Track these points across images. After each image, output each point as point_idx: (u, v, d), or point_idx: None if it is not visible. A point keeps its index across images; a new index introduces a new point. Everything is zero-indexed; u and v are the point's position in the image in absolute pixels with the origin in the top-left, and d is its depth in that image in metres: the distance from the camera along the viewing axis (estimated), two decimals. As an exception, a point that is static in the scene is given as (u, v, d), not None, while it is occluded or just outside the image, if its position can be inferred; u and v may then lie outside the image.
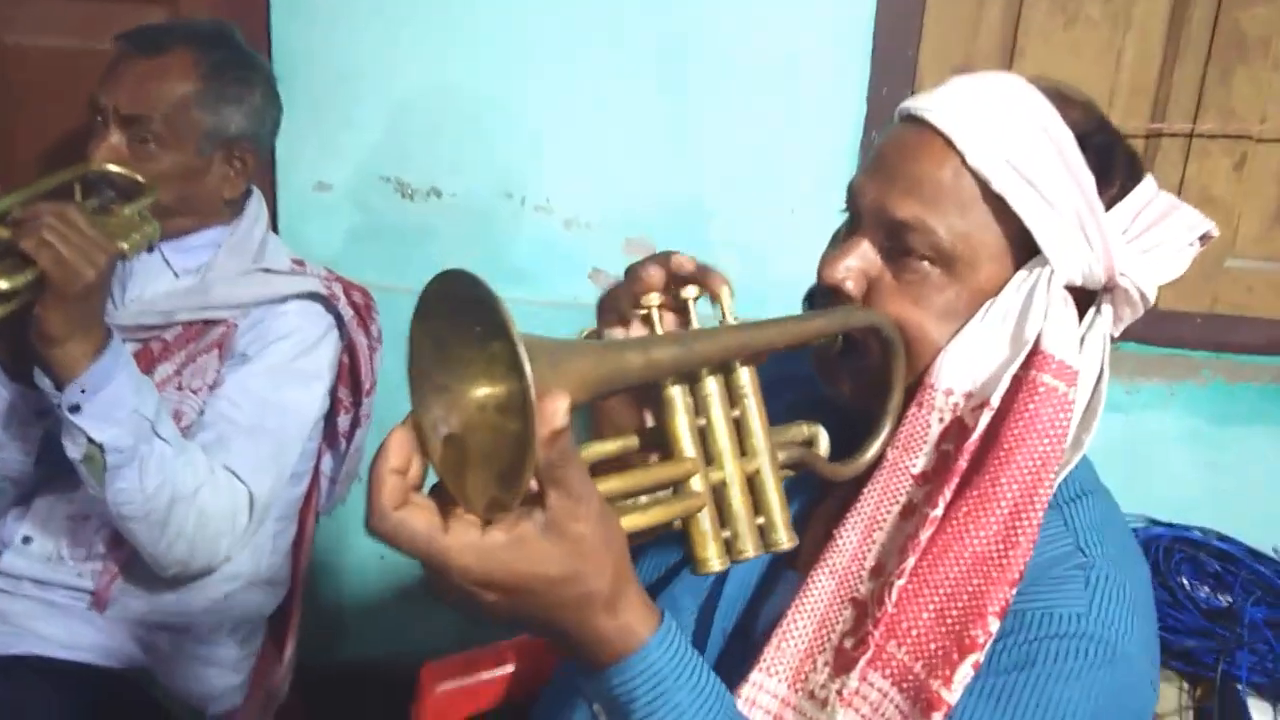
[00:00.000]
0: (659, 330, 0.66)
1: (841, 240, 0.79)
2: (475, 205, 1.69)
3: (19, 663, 1.19)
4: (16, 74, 1.67)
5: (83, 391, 1.06)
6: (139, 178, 1.23)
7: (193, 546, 1.17)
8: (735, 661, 0.79)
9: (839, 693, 0.69)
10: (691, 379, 0.66)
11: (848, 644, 0.71)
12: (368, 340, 1.43)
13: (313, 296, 1.34)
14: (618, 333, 0.70)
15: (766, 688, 0.73)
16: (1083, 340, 0.73)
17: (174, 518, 1.14)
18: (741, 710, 0.72)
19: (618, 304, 0.70)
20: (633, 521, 0.61)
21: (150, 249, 1.32)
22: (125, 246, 1.12)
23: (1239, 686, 1.36)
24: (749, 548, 0.66)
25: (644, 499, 0.64)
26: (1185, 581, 1.53)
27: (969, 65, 1.53)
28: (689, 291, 0.67)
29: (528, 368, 0.47)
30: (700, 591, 0.84)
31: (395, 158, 1.68)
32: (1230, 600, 1.50)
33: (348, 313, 1.37)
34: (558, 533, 0.53)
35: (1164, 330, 1.65)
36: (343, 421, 1.44)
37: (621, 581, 0.57)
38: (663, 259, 0.68)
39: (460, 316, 0.51)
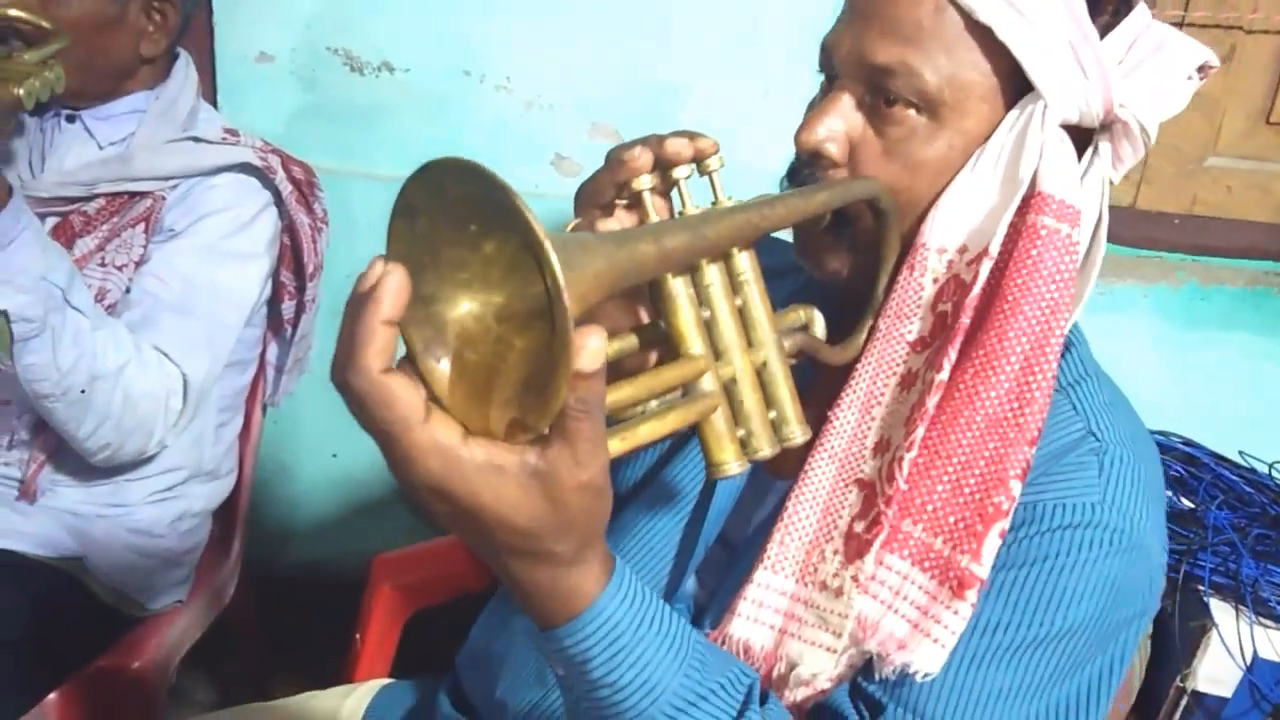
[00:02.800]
0: (653, 217, 0.59)
1: (817, 104, 0.72)
2: (429, 82, 1.58)
3: (-60, 549, 1.12)
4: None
5: None
6: (45, 23, 1.11)
7: (120, 429, 1.09)
8: (724, 579, 0.76)
9: (854, 579, 0.65)
10: (691, 269, 0.59)
11: (858, 528, 0.67)
12: (310, 219, 1.33)
13: (247, 169, 1.24)
14: (610, 224, 0.62)
15: (773, 586, 0.69)
16: (1082, 181, 0.68)
17: (96, 397, 1.05)
18: (747, 612, 0.68)
19: (599, 192, 0.61)
20: (651, 430, 0.54)
21: (73, 118, 1.22)
22: (20, 92, 1.00)
23: (1200, 588, 1.35)
24: (765, 445, 0.60)
25: (655, 404, 0.57)
26: (1150, 484, 1.52)
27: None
28: (680, 171, 0.60)
29: (563, 285, 0.40)
30: (682, 516, 0.80)
31: (344, 27, 1.56)
32: (1194, 504, 1.49)
33: (286, 188, 1.27)
34: (543, 485, 0.46)
35: (1141, 231, 1.61)
36: (287, 308, 1.36)
37: (586, 549, 0.50)
38: (653, 142, 0.60)
39: (455, 213, 0.44)
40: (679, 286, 0.57)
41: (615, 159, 0.60)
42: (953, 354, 0.65)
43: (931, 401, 0.65)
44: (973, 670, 0.63)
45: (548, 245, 0.40)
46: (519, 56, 1.57)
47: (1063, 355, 0.72)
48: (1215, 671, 1.33)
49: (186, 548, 1.31)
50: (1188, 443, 1.59)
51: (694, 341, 0.58)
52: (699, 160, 0.60)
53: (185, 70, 1.29)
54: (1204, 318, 1.64)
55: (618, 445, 0.52)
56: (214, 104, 1.55)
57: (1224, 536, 1.41)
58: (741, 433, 0.60)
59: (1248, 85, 1.54)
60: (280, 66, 1.57)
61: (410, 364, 0.46)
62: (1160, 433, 1.60)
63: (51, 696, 1.15)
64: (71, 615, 1.17)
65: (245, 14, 1.54)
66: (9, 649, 1.10)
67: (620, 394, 0.54)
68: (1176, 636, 1.36)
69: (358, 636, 1.15)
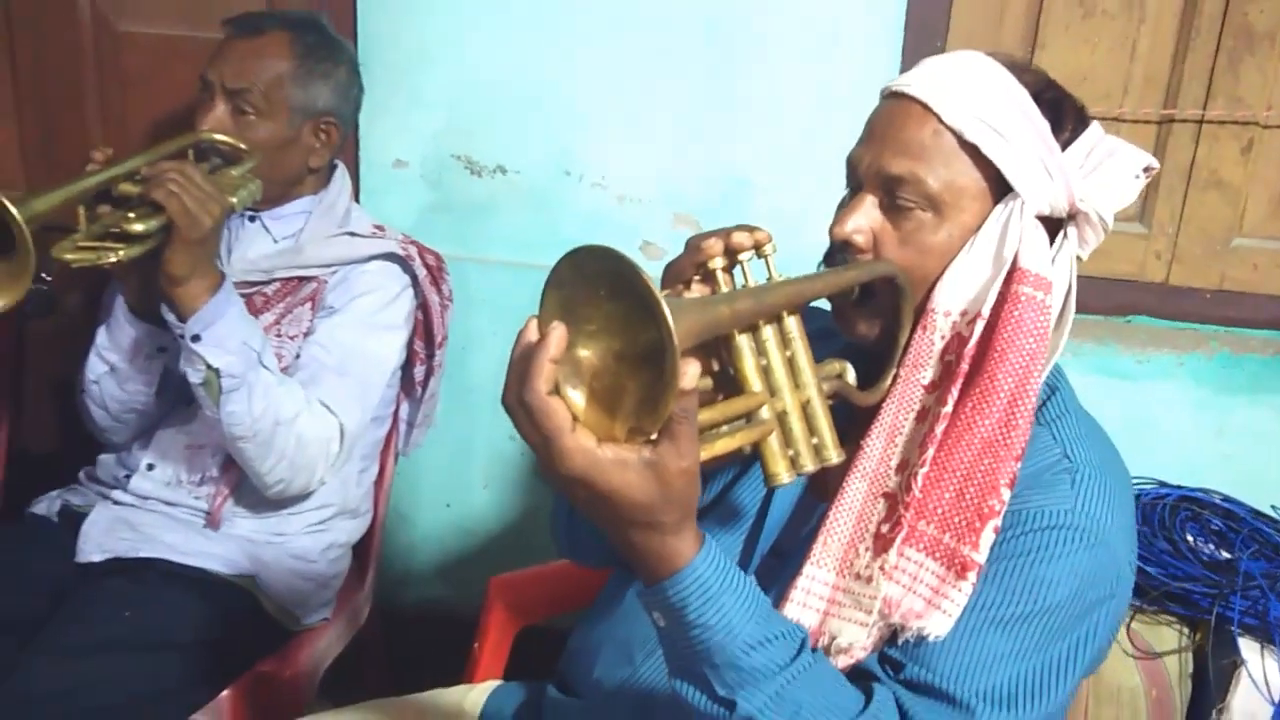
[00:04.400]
0: (724, 288, 0.80)
1: (846, 204, 0.92)
2: (536, 181, 1.84)
3: (148, 565, 1.38)
4: (128, 58, 1.86)
5: (203, 323, 1.23)
6: (241, 145, 1.39)
7: (293, 468, 1.34)
8: (776, 578, 0.93)
9: (881, 569, 0.83)
10: (753, 328, 0.79)
11: (884, 529, 0.85)
12: (439, 298, 1.58)
13: (392, 257, 1.50)
14: (691, 294, 0.82)
15: (818, 578, 0.86)
16: (1054, 260, 0.87)
17: (277, 440, 1.31)
18: (798, 599, 0.86)
19: (681, 271, 0.84)
20: (724, 444, 0.76)
21: (253, 217, 1.50)
22: (234, 201, 1.29)
23: (1232, 628, 1.47)
24: (808, 462, 0.80)
25: (726, 428, 0.78)
26: (1190, 537, 1.64)
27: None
28: (744, 255, 0.81)
29: (673, 330, 0.59)
30: (744, 529, 0.99)
31: (465, 137, 1.83)
32: (1231, 555, 1.61)
33: (421, 272, 1.53)
34: (654, 471, 0.66)
35: (1175, 305, 1.76)
36: (418, 371, 1.60)
37: (684, 520, 0.70)
38: (723, 234, 0.82)
39: (590, 283, 0.64)
40: (744, 340, 0.79)
41: (694, 246, 0.82)
42: (955, 392, 0.84)
43: (939, 429, 0.84)
44: (973, 637, 0.80)
45: (664, 304, 0.61)
46: (612, 158, 1.82)
47: (1050, 396, 0.91)
48: (1248, 706, 1.45)
49: (333, 573, 1.54)
50: (1226, 499, 1.71)
51: (754, 381, 0.78)
52: (757, 247, 0.82)
53: (342, 177, 1.57)
54: (1237, 384, 1.77)
55: (704, 454, 0.74)
56: (357, 200, 1.83)
57: (1255, 583, 1.53)
58: (791, 453, 0.80)
59: (1266, 173, 1.70)
60: (412, 171, 1.86)
61: (556, 392, 0.67)
62: (1201, 490, 1.72)
63: (226, 693, 1.38)
64: (243, 624, 1.41)
65: (384, 128, 1.83)
66: (195, 649, 1.34)
67: (703, 416, 0.75)
68: (1211, 672, 1.48)
69: (476, 645, 1.36)
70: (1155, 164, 0.89)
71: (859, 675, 0.84)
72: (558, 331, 0.65)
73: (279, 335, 1.42)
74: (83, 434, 1.53)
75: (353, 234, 1.51)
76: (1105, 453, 0.89)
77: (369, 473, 1.60)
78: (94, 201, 1.22)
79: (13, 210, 1.03)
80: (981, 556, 0.80)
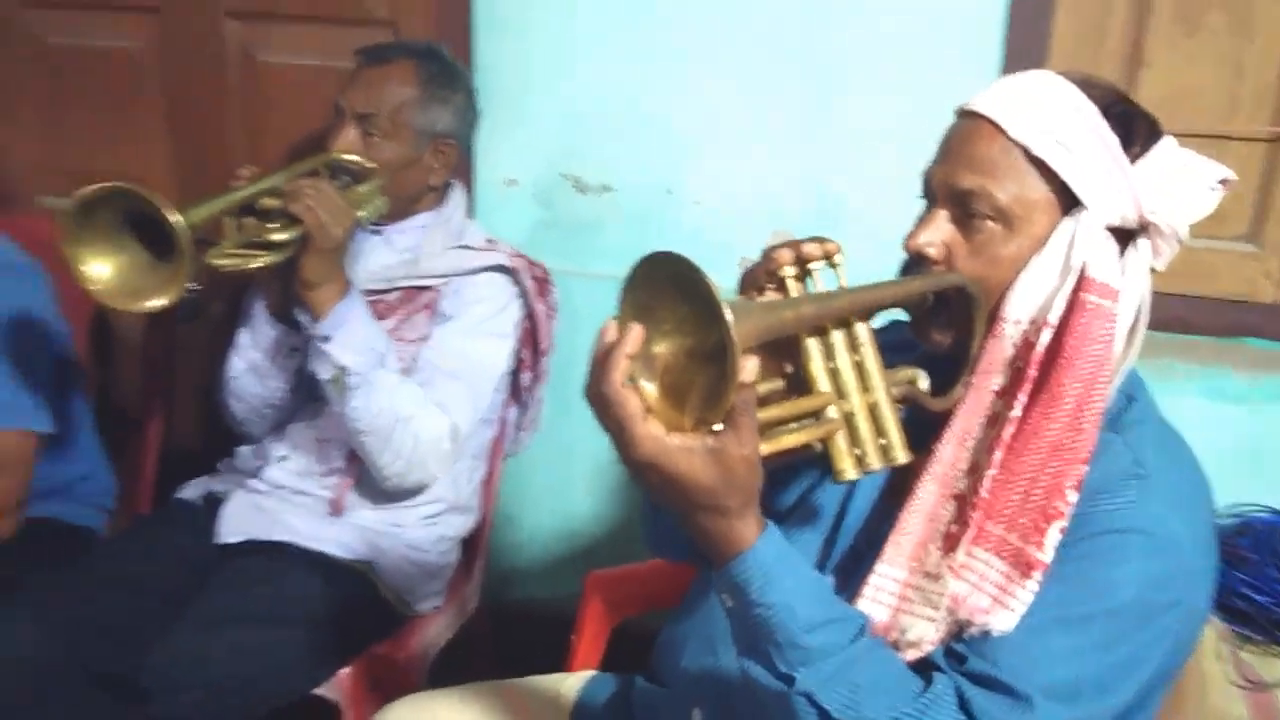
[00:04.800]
0: (793, 294, 0.86)
1: (923, 218, 0.96)
2: (639, 199, 1.93)
3: (278, 547, 1.50)
4: (269, 87, 2.03)
5: (332, 325, 1.35)
6: (369, 164, 1.52)
7: (408, 462, 1.45)
8: (851, 576, 0.98)
9: (949, 567, 0.86)
10: (822, 332, 0.85)
11: (953, 529, 0.88)
12: (545, 308, 1.68)
13: (501, 269, 1.60)
14: (761, 300, 0.89)
15: (890, 575, 0.90)
16: (1124, 270, 0.89)
17: (395, 435, 1.42)
18: (870, 595, 0.90)
19: (756, 278, 0.90)
20: (790, 440, 0.82)
21: (378, 231, 1.62)
22: (362, 214, 1.41)
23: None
24: (875, 461, 0.85)
25: (794, 425, 0.83)
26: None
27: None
28: (815, 265, 0.87)
29: (732, 329, 0.66)
30: (823, 530, 1.04)
31: (573, 158, 1.93)
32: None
33: (529, 283, 1.63)
34: (718, 458, 0.73)
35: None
36: (525, 378, 1.70)
37: (747, 505, 0.77)
38: (793, 244, 0.88)
39: (663, 286, 0.71)
40: (812, 344, 0.85)
41: (767, 255, 0.88)
42: (1023, 398, 0.88)
43: (1007, 433, 0.87)
44: (1036, 634, 0.83)
45: (723, 305, 0.68)
46: (711, 177, 1.89)
47: (1127, 405, 0.93)
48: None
49: (444, 564, 1.65)
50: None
51: (821, 382, 0.84)
52: (827, 257, 0.88)
53: (458, 194, 1.69)
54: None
55: (769, 447, 0.80)
56: (472, 216, 1.95)
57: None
58: (858, 451, 0.85)
59: None
60: (523, 189, 1.96)
61: (632, 385, 0.74)
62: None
63: (346, 670, 1.49)
64: (362, 607, 1.52)
65: (498, 149, 1.95)
66: (318, 627, 1.46)
67: (770, 413, 0.81)
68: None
69: (574, 637, 1.43)
70: (1232, 176, 0.90)
71: (922, 665, 0.87)
72: (634, 330, 0.72)
73: (398, 340, 1.53)
74: (223, 428, 1.68)
75: (466, 247, 1.61)
76: (1180, 461, 0.91)
77: (478, 472, 1.70)
78: (240, 214, 1.35)
79: (177, 219, 1.15)
80: (1046, 556, 0.83)
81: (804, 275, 0.88)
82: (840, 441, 0.84)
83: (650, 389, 0.74)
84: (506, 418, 1.74)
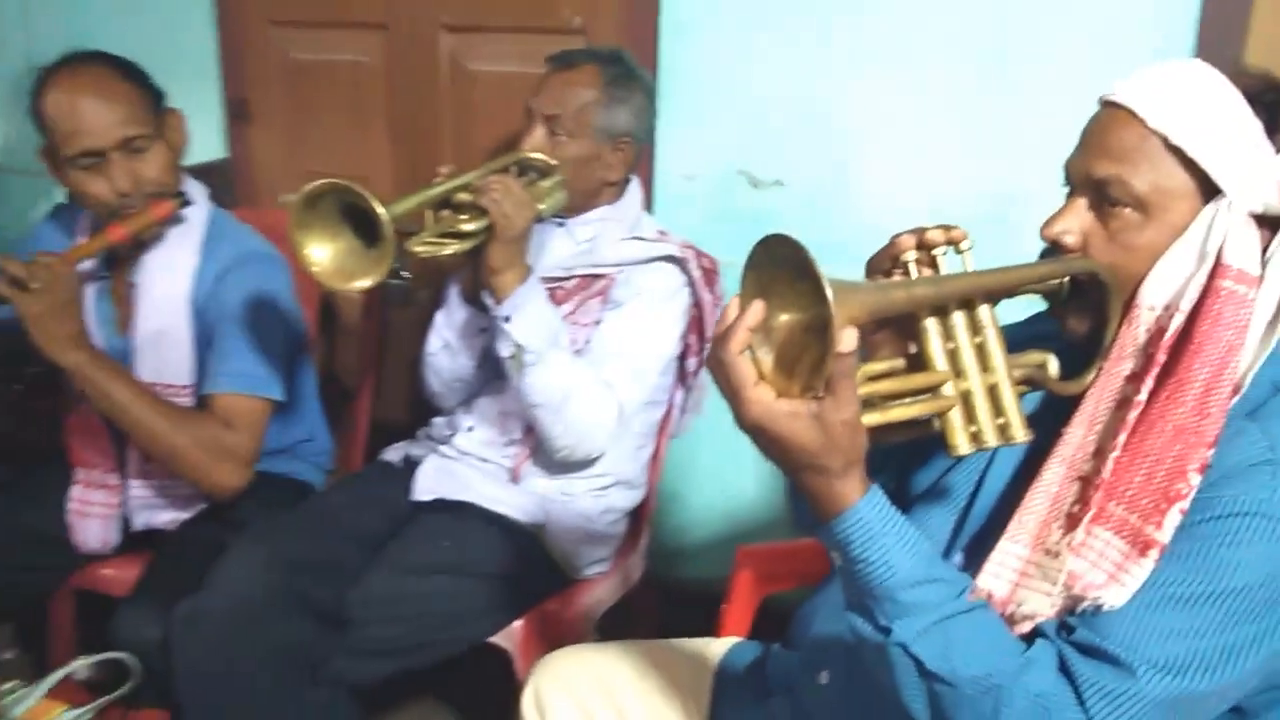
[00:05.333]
0: (914, 276, 0.90)
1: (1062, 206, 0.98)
2: (811, 194, 1.98)
3: (464, 506, 1.67)
4: (475, 93, 2.23)
5: (513, 307, 1.50)
6: (553, 161, 1.65)
7: (576, 436, 1.58)
8: (978, 555, 1.00)
9: (1069, 545, 0.89)
10: (942, 314, 0.88)
11: (1075, 509, 0.90)
12: (712, 298, 1.76)
13: (671, 259, 1.70)
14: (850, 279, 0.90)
15: (1012, 552, 0.93)
16: (1269, 257, 0.88)
17: (565, 410, 1.55)
18: (991, 570, 0.93)
19: (880, 262, 0.95)
20: (900, 412, 0.87)
21: (560, 223, 1.76)
22: (542, 207, 1.55)
23: None
24: (990, 439, 0.89)
25: (908, 399, 0.89)
26: None
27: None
28: (939, 250, 0.90)
29: (832, 302, 0.72)
30: (955, 510, 1.07)
31: (748, 154, 2.02)
32: None
33: (697, 273, 1.72)
34: (820, 422, 0.79)
35: None
36: (690, 363, 1.79)
37: (850, 466, 0.82)
38: (916, 230, 0.92)
39: (779, 265, 0.77)
40: (931, 324, 0.89)
41: (892, 241, 0.93)
42: (1150, 382, 0.88)
43: (1133, 416, 0.88)
44: (1149, 611, 0.84)
45: (826, 283, 0.74)
46: (884, 173, 1.92)
47: (1273, 394, 0.91)
48: None
49: (610, 534, 1.77)
50: None
51: (937, 359, 0.89)
52: (952, 244, 0.92)
53: (635, 189, 1.80)
54: None
55: (879, 417, 0.86)
56: (651, 212, 2.07)
57: None
58: (974, 428, 0.89)
59: None
60: (699, 184, 2.06)
61: (746, 354, 0.82)
62: None
63: (518, 622, 1.64)
64: (534, 566, 1.66)
65: (677, 146, 2.05)
66: (495, 581, 1.61)
67: (884, 385, 0.87)
68: None
69: (724, 606, 1.52)
70: None
71: (1030, 637, 0.89)
72: (756, 306, 0.80)
73: (573, 323, 1.66)
74: (424, 401, 1.87)
75: (639, 238, 1.72)
76: None
77: (645, 450, 1.81)
78: (438, 207, 1.52)
79: (382, 210, 1.32)
80: (1165, 536, 0.84)
81: (931, 261, 0.92)
82: (955, 418, 0.88)
83: (766, 359, 0.81)
84: (673, 400, 1.83)
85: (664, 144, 2.05)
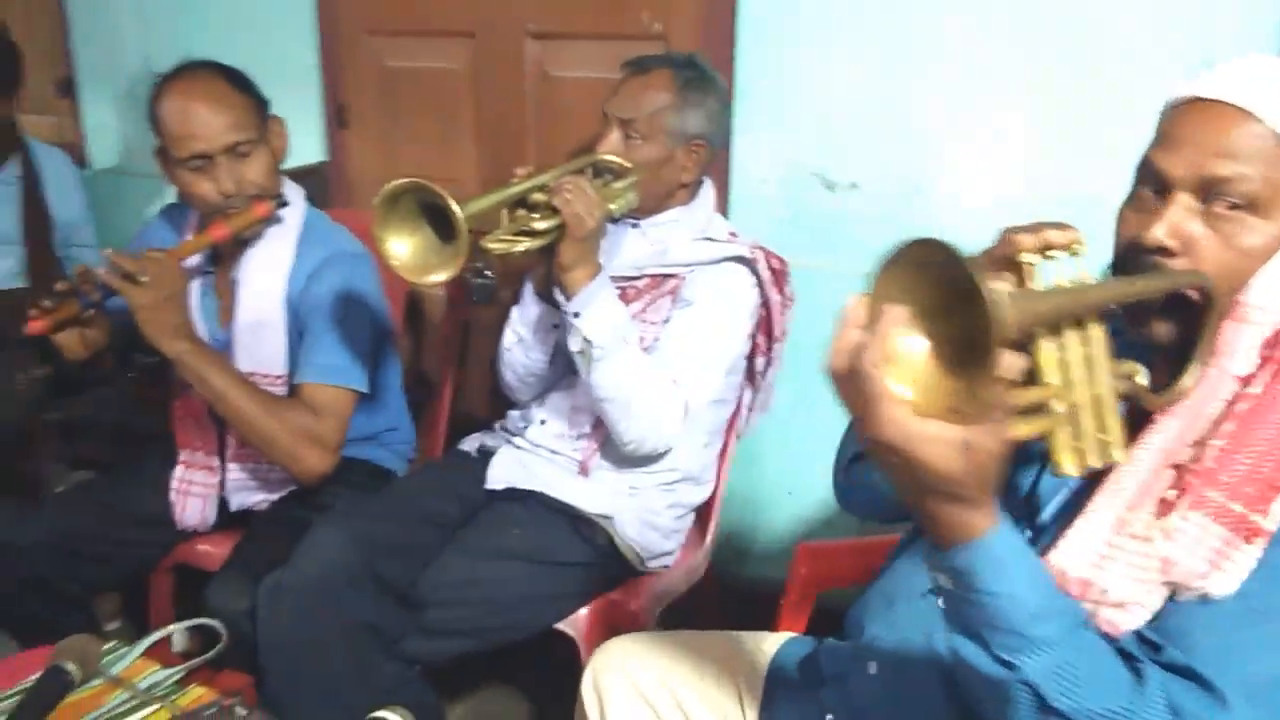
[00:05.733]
0: (1029, 281, 0.83)
1: (1151, 208, 0.94)
2: (886, 197, 1.99)
3: (534, 495, 1.73)
4: (558, 98, 2.30)
5: (583, 303, 1.55)
6: (626, 164, 1.70)
7: (644, 431, 1.62)
8: (1036, 546, 0.97)
9: (1161, 529, 0.85)
10: (1055, 328, 0.82)
11: (1170, 495, 0.87)
12: (780, 298, 1.79)
13: (741, 259, 1.73)
14: (998, 284, 0.78)
15: (1092, 534, 0.89)
16: None
17: (633, 404, 1.59)
18: (1070, 550, 0.89)
19: (991, 260, 0.87)
20: (1015, 431, 0.78)
21: (634, 224, 1.80)
22: (613, 208, 1.60)
23: None
24: (1095, 459, 0.84)
25: (1020, 416, 0.80)
26: None
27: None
28: (1057, 252, 0.84)
29: (997, 324, 0.64)
30: (1015, 498, 1.03)
31: (823, 157, 2.03)
32: None
33: (766, 274, 1.74)
34: (966, 450, 0.71)
35: None
36: (759, 362, 1.82)
37: (985, 495, 0.76)
38: (1035, 228, 0.86)
39: (925, 272, 0.69)
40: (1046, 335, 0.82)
41: (1007, 238, 0.88)
42: (1265, 376, 0.86)
43: (1241, 407, 0.86)
44: (1240, 624, 0.81)
45: (990, 300, 0.64)
46: (961, 176, 1.92)
47: None
48: None
49: (676, 528, 1.81)
50: None
51: (1051, 374, 0.82)
52: (1069, 245, 0.86)
53: (708, 192, 1.84)
54: None
55: None
56: (725, 213, 2.09)
57: None
58: (1079, 446, 0.83)
59: None
60: (774, 188, 2.09)
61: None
62: None
63: (584, 610, 1.69)
64: (601, 557, 1.71)
65: (752, 149, 2.08)
66: (563, 569, 1.67)
67: None
68: None
69: (782, 601, 1.54)
70: None
71: (1120, 656, 0.86)
72: (896, 312, 0.72)
73: (643, 321, 1.70)
74: (501, 395, 1.94)
75: (710, 239, 1.76)
76: None
77: (713, 448, 1.85)
78: (514, 206, 1.58)
79: (457, 208, 1.39)
80: (1271, 524, 0.81)
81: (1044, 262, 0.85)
82: (1062, 436, 0.82)
83: (898, 371, 0.73)
84: (741, 399, 1.86)
85: (740, 147, 2.08)
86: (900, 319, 0.72)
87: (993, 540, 0.78)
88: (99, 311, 1.65)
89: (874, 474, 1.10)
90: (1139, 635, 0.87)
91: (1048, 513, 1.02)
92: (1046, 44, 1.79)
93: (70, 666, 1.25)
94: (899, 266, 0.72)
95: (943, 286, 0.69)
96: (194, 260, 1.75)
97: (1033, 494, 1.04)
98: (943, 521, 0.78)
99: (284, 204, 1.77)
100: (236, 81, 1.71)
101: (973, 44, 1.85)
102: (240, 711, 1.05)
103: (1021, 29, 1.81)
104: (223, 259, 1.82)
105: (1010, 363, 0.69)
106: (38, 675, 1.24)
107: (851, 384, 0.73)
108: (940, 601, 0.86)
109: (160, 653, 1.39)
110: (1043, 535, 1.01)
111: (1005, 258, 0.86)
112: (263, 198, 1.72)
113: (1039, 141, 1.84)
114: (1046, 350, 0.81)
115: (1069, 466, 0.83)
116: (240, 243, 1.76)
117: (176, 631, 1.44)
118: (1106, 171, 1.79)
